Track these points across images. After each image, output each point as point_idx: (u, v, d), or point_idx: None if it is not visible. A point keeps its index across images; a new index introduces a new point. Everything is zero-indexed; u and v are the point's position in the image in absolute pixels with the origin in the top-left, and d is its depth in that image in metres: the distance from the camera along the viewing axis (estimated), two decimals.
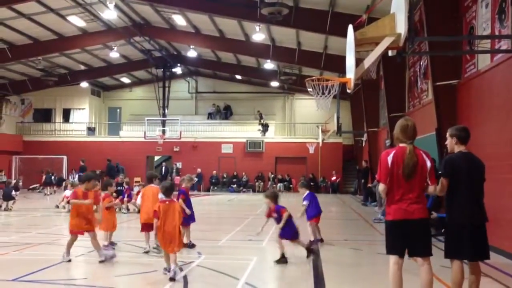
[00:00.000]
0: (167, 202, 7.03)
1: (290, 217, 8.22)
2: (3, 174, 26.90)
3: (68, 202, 15.88)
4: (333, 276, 7.22)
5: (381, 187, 5.12)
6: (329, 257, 8.77)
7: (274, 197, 8.29)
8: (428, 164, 4.98)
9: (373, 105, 23.45)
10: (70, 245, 8.02)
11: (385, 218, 5.22)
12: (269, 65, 29.39)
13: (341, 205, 22.13)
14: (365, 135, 25.29)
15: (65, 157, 30.45)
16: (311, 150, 31.26)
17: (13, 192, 17.72)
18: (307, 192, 10.24)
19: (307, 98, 31.82)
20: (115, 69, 32.37)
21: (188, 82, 36.67)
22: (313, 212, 10.20)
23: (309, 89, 11.29)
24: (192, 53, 29.29)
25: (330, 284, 6.64)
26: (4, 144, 30.66)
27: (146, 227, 8.64)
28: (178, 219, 6.96)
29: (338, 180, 31.33)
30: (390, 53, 7.76)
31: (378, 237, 11.09)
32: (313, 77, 11.01)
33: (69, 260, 7.93)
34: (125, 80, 35.84)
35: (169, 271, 6.84)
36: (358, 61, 8.37)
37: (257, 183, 31.77)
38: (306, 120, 33.32)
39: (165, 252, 6.96)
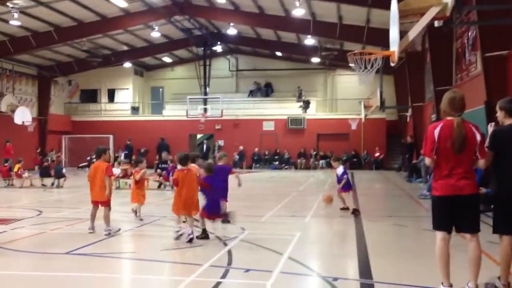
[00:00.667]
0: (184, 171, 7.81)
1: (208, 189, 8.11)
2: (53, 153, 28.03)
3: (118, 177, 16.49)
4: (378, 252, 7.17)
5: (427, 161, 5.02)
6: (373, 233, 8.72)
7: (208, 169, 8.38)
8: (478, 137, 4.82)
9: (418, 79, 22.77)
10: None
11: (431, 193, 5.10)
12: (309, 40, 28.98)
13: (385, 181, 21.82)
14: (410, 110, 24.68)
15: (111, 136, 31.33)
16: (354, 126, 30.88)
17: (63, 170, 18.49)
18: (342, 166, 11.36)
19: (349, 74, 31.30)
20: (156, 49, 32.80)
21: (229, 60, 36.72)
22: (350, 184, 11.70)
23: (351, 64, 11.07)
24: (232, 31, 29.22)
25: (374, 260, 6.60)
26: (54, 124, 31.98)
27: None
28: (196, 185, 7.72)
29: (381, 156, 30.84)
30: (436, 23, 7.53)
31: (423, 213, 10.91)
32: (355, 51, 10.75)
33: (108, 233, 8.38)
34: (167, 59, 36.26)
35: (181, 234, 7.73)
36: (402, 34, 8.13)
37: (299, 160, 31.74)
38: (348, 96, 32.82)
39: (187, 216, 7.75)
